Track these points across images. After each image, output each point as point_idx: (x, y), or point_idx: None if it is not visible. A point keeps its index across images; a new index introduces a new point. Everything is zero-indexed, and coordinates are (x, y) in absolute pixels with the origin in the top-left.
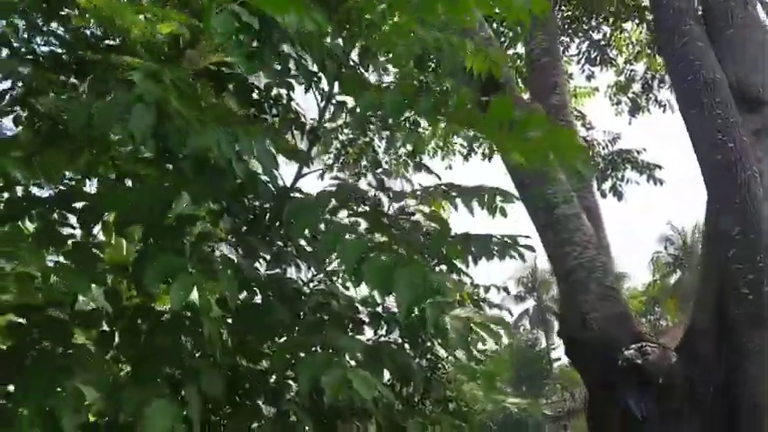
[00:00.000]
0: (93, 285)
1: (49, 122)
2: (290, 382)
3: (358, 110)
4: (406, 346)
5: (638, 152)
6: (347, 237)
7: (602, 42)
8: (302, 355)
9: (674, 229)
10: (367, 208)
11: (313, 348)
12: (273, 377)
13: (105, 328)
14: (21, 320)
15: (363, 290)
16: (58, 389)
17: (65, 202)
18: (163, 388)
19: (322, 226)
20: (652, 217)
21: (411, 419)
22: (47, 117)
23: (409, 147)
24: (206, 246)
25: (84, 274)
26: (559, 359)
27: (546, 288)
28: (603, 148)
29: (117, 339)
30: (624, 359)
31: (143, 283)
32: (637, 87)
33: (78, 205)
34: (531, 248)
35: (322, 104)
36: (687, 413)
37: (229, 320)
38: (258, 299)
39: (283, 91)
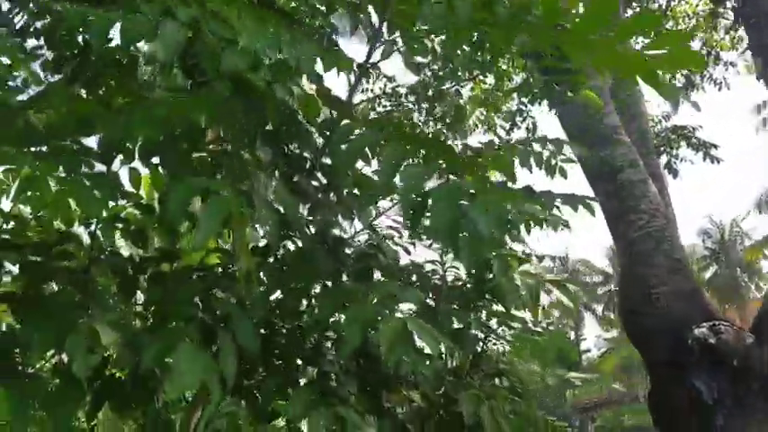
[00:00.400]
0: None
1: (76, 60)
2: (330, 343)
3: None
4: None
5: (693, 129)
6: (408, 163)
7: (658, 13)
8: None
9: (713, 223)
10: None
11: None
12: (313, 336)
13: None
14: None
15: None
16: (72, 329)
17: (85, 129)
18: (191, 332)
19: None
20: (707, 196)
21: (464, 392)
22: (73, 57)
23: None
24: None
25: (101, 197)
26: (588, 351)
27: (576, 278)
28: (657, 124)
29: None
30: (694, 338)
31: (166, 210)
32: None
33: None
34: (594, 199)
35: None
36: (763, 401)
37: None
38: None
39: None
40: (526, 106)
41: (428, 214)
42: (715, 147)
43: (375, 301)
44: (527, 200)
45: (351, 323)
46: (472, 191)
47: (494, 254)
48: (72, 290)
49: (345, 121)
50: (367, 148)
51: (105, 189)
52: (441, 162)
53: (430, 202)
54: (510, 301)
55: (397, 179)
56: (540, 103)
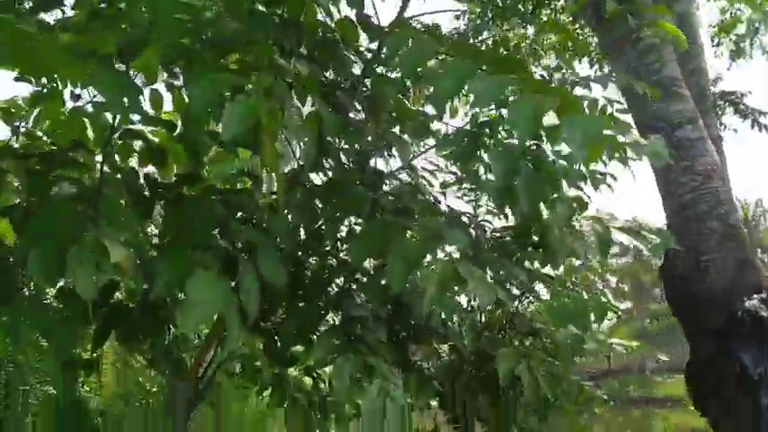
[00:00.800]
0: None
1: None
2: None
3: None
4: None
5: (742, 95)
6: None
7: None
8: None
9: (738, 201)
10: None
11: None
12: (340, 277)
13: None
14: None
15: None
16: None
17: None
18: (210, 260)
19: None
20: (752, 165)
21: (501, 348)
22: None
23: None
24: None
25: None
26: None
27: None
28: None
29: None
30: (745, 310)
31: (190, 108)
32: (742, 29)
33: None
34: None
35: None
36: None
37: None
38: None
39: None
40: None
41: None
42: (765, 114)
43: (418, 240)
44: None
45: (395, 262)
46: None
47: (555, 196)
48: (80, 202)
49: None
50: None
51: (129, 89)
52: (513, 77)
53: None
54: (560, 255)
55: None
56: (579, 61)
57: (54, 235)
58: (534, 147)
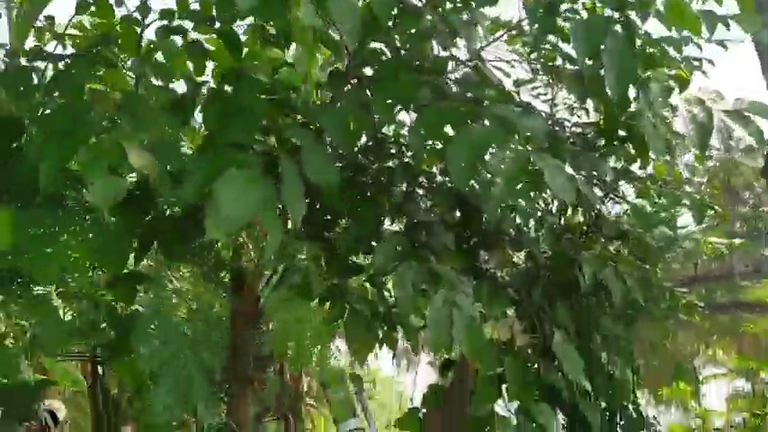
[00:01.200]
0: None
1: None
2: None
3: None
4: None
5: None
6: None
7: None
8: None
9: None
10: None
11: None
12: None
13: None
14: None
15: None
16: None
17: None
18: (251, 160)
19: None
20: None
21: (584, 252)
22: None
23: None
24: None
25: None
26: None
27: None
28: None
29: None
30: None
31: None
32: None
33: None
34: None
35: None
36: None
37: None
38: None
39: None
40: None
41: None
42: None
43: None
44: None
45: (457, 150)
46: None
47: (648, 74)
48: (105, 102)
49: None
50: None
51: None
52: None
53: None
54: (654, 148)
55: None
56: None
57: (70, 134)
58: (623, 19)
